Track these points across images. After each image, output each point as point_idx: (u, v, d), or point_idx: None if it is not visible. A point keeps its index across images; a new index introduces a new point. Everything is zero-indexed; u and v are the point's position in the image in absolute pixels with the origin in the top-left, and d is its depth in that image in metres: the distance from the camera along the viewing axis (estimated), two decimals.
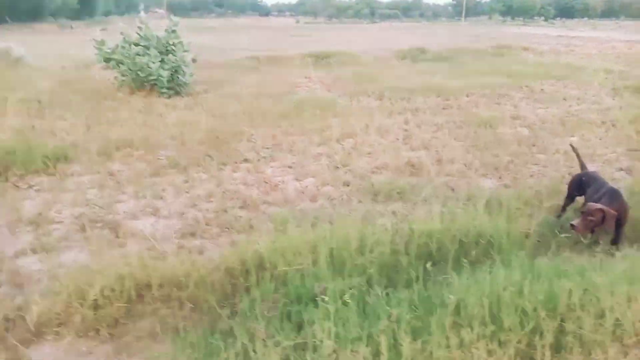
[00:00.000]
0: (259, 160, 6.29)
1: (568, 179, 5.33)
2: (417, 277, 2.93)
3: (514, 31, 28.65)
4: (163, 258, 3.47)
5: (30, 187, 5.52)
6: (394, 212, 4.45)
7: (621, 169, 5.99)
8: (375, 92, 10.75)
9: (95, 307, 2.95)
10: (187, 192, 5.34)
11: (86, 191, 5.37)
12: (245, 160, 6.29)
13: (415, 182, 5.48)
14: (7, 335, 2.88)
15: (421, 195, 4.95)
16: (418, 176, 5.74)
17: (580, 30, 28.56)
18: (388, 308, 2.56)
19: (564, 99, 9.87)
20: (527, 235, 3.84)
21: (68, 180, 5.71)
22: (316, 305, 2.76)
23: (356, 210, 4.52)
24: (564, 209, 4.48)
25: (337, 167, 5.98)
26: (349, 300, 2.68)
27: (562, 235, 3.88)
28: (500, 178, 5.70)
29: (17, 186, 5.50)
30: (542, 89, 10.79)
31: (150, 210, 4.89)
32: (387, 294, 2.84)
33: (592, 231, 3.88)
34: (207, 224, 4.57)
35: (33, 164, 5.93)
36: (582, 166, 4.63)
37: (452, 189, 5.31)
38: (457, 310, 2.57)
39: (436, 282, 3.03)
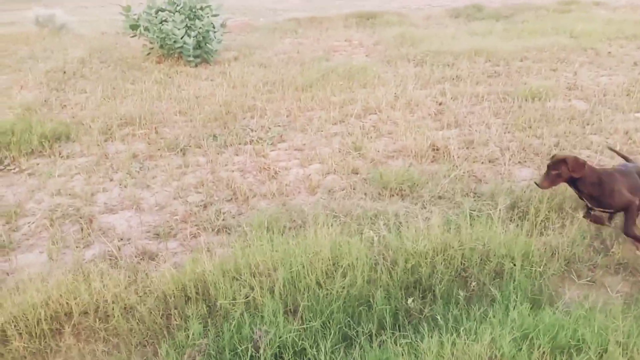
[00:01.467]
0: (265, 141, 5.68)
1: None
2: (382, 329, 2.26)
3: None
4: (99, 275, 2.97)
5: (22, 171, 5.22)
6: (386, 223, 3.69)
7: None
8: (416, 56, 9.75)
9: (4, 340, 2.52)
10: (177, 180, 4.84)
11: (72, 177, 5.00)
12: (251, 141, 5.70)
13: (434, 170, 4.71)
14: None
15: (435, 191, 4.19)
16: (440, 163, 4.95)
17: None
18: None
19: (635, 64, 8.49)
20: (552, 256, 3.05)
21: (61, 163, 5.36)
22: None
23: (348, 213, 3.85)
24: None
25: (349, 152, 5.27)
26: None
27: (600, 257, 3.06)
28: (538, 168, 4.80)
29: (7, 170, 5.21)
30: (609, 52, 9.37)
31: (131, 202, 4.44)
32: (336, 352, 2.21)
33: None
34: (183, 221, 4.07)
35: (29, 145, 5.63)
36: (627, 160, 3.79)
37: (479, 181, 4.51)
38: None
39: (406, 335, 2.35)
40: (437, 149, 5.20)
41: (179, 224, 4.04)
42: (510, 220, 3.49)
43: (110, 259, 3.56)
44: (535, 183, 3.42)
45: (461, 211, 3.68)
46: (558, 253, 3.09)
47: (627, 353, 1.99)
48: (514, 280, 2.67)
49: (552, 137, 5.48)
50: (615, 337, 2.13)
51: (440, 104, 6.81)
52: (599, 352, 2.04)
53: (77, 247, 3.76)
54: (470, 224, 3.19)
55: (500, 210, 3.50)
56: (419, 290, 2.74)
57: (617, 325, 2.24)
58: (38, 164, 5.33)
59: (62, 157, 5.50)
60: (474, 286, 2.69)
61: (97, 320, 2.63)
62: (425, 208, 3.98)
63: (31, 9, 16.19)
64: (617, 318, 2.36)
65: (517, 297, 2.52)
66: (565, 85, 7.44)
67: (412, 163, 4.93)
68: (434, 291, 2.71)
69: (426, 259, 2.85)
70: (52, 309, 2.60)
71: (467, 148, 5.27)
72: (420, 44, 10.87)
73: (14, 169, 5.25)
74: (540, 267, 2.90)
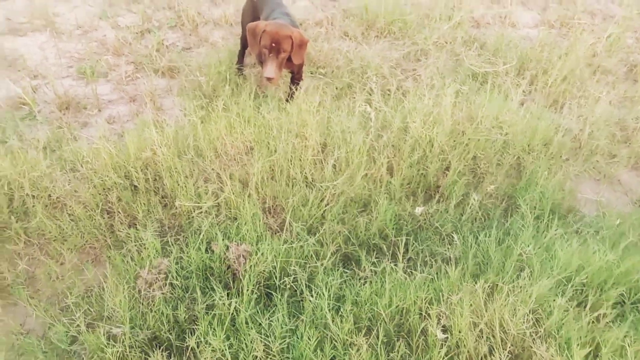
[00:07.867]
0: None
1: None
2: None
3: None
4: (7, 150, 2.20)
5: None
6: (382, 88, 2.97)
7: None
8: None
9: None
10: None
11: None
12: None
13: (429, 7, 3.88)
14: None
15: (432, 38, 3.47)
16: None
17: None
18: None
19: None
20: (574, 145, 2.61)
21: None
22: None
23: (329, 65, 3.09)
24: (241, 59, 3.05)
25: None
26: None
27: None
28: (544, 11, 4.11)
29: None
30: None
31: (43, 20, 3.39)
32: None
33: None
34: (115, 54, 3.18)
35: None
36: None
37: (479, 25, 3.80)
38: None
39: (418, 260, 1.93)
40: None
41: (109, 59, 3.15)
42: (524, 93, 2.94)
43: (23, 108, 2.75)
44: (268, 78, 2.40)
45: (468, 75, 3.04)
46: (580, 143, 2.65)
47: None
48: (537, 183, 2.24)
49: None
50: None
51: None
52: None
53: None
54: (483, 98, 2.61)
55: (519, 85, 2.89)
56: (424, 190, 2.26)
57: None
58: None
59: None
60: (492, 190, 2.25)
61: (13, 217, 1.99)
62: (420, 60, 3.29)
63: None
64: None
65: (545, 209, 2.12)
66: None
67: None
68: (442, 193, 2.25)
69: (434, 147, 2.32)
70: None
71: None
72: None
73: None
74: (562, 162, 2.48)
